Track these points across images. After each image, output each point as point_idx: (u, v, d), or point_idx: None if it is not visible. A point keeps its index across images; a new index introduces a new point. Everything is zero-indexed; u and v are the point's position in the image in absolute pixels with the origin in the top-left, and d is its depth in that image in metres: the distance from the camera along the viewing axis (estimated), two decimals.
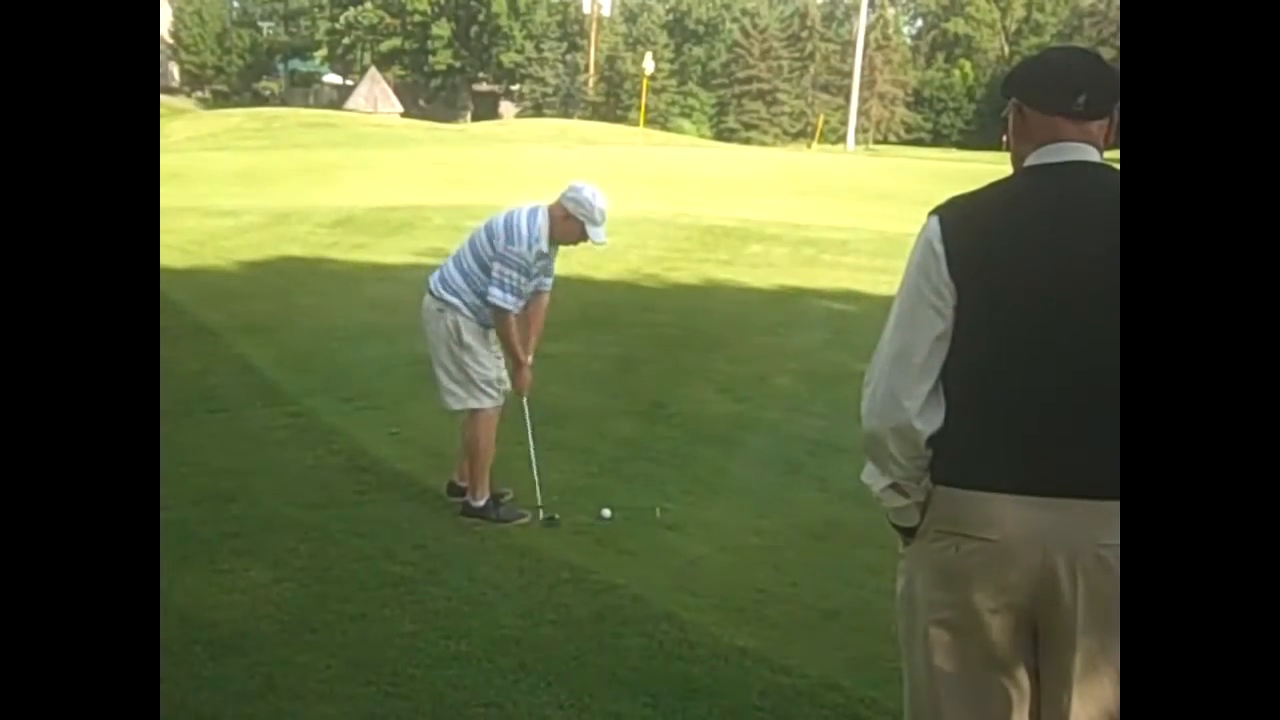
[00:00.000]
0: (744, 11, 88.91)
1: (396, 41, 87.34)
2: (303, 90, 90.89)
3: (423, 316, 5.82)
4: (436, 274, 5.82)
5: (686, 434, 7.63)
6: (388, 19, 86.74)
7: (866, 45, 76.17)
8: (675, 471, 6.81)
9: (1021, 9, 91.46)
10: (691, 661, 4.31)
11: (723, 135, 78.08)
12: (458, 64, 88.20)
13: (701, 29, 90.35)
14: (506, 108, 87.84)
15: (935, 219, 2.49)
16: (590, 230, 5.67)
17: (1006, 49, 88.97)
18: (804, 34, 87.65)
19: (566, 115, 73.96)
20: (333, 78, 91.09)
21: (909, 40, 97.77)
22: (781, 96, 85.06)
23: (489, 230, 5.67)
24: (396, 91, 78.01)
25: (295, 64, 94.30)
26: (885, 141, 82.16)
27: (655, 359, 9.83)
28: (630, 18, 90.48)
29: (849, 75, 75.84)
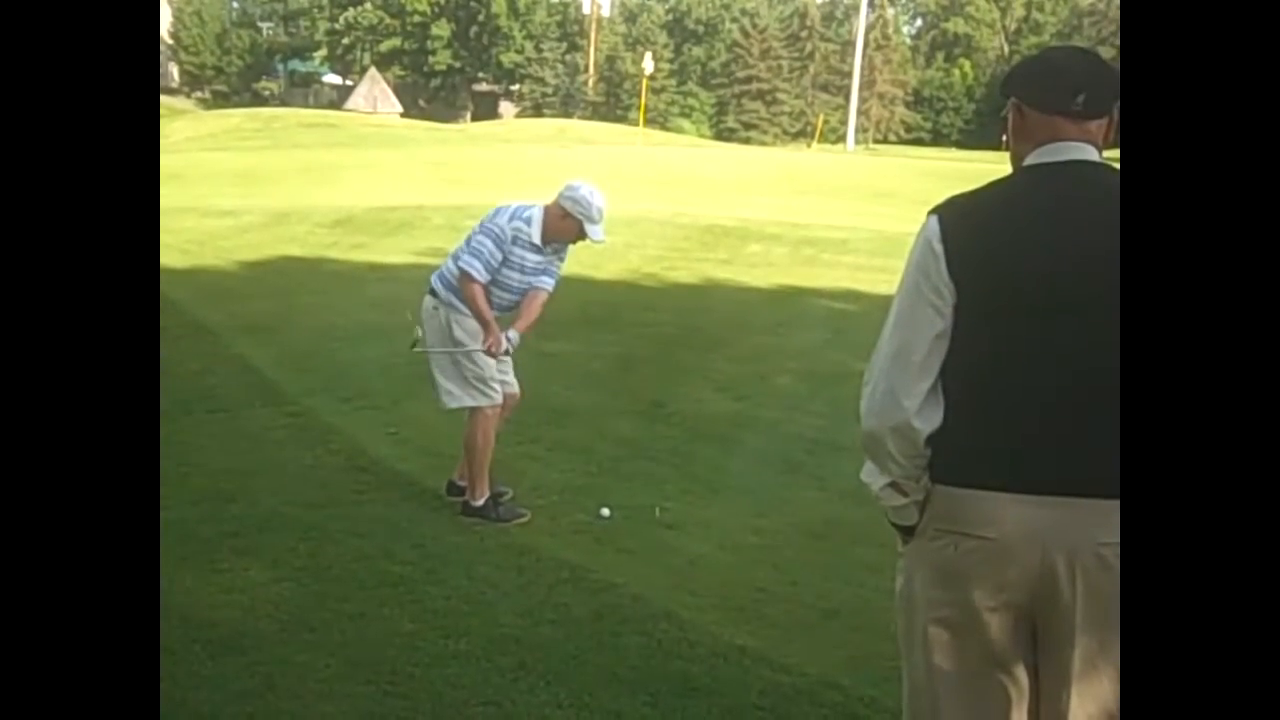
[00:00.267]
0: (743, 11, 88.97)
1: (396, 42, 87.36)
2: (302, 90, 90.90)
3: (421, 316, 5.83)
4: (437, 273, 5.84)
5: (686, 433, 7.63)
6: (387, 19, 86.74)
7: (866, 45, 76.15)
8: (674, 470, 6.81)
9: (1021, 8, 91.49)
10: (691, 660, 4.31)
11: (722, 135, 78.11)
12: (457, 64, 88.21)
13: (701, 29, 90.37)
14: (506, 108, 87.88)
15: (934, 218, 2.49)
16: (588, 228, 5.67)
17: (1006, 48, 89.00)
18: (803, 34, 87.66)
19: (566, 115, 73.98)
20: (332, 78, 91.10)
21: (908, 40, 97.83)
22: (781, 96, 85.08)
23: (482, 220, 5.70)
24: (396, 92, 78.05)
25: (295, 64, 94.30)
26: (885, 141, 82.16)
27: (655, 358, 9.83)
28: (630, 18, 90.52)
29: (849, 75, 75.82)
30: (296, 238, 16.41)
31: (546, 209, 5.68)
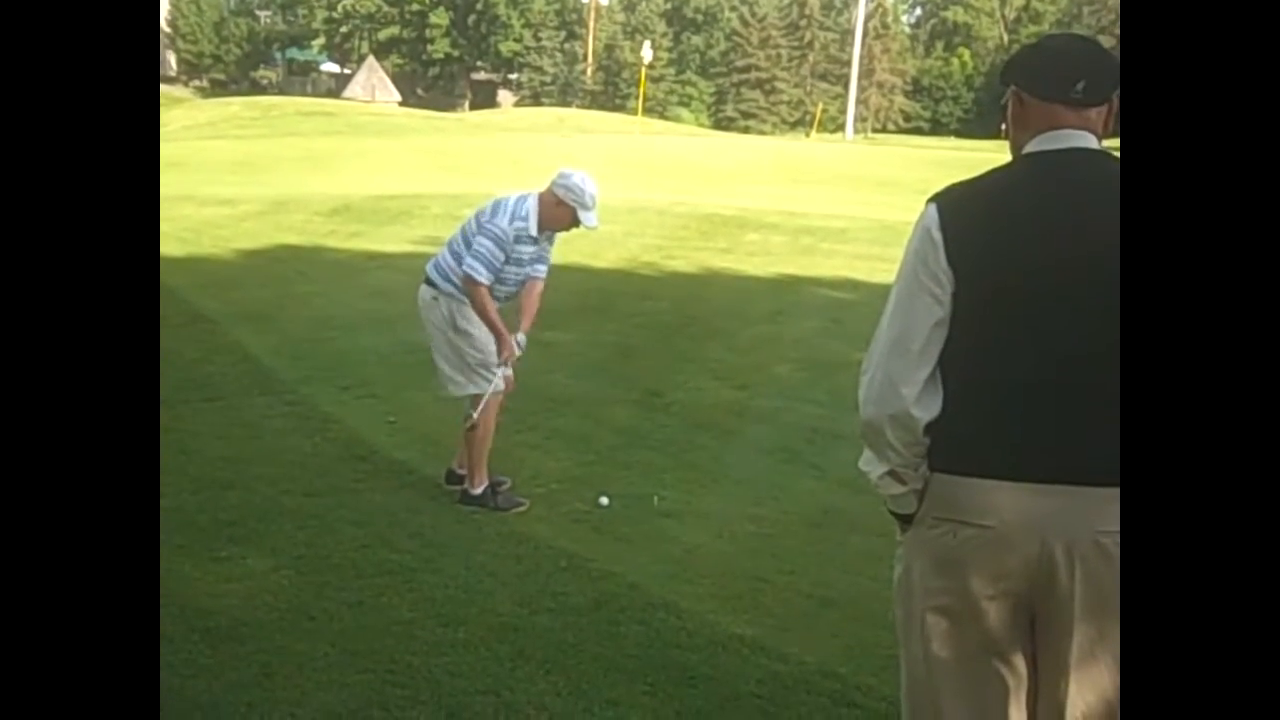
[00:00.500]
0: (742, 0, 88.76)
1: (394, 30, 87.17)
2: (300, 79, 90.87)
3: (419, 306, 5.84)
4: (432, 262, 5.84)
5: (684, 422, 7.64)
6: (385, 7, 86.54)
7: (865, 34, 76.10)
8: (673, 459, 6.82)
9: None
10: (689, 649, 4.32)
11: (721, 124, 78.02)
12: (456, 53, 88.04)
13: (700, 18, 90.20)
14: (504, 97, 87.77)
15: (933, 206, 2.49)
16: (582, 215, 5.68)
17: (1005, 37, 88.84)
18: (802, 22, 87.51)
19: (565, 104, 73.85)
20: (330, 66, 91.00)
21: (907, 29, 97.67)
22: (780, 85, 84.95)
23: (478, 213, 5.71)
24: (394, 80, 77.87)
25: (293, 53, 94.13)
26: (884, 130, 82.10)
27: (653, 347, 9.83)
28: (628, 6, 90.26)
29: (847, 64, 75.80)
30: (294, 226, 16.39)
31: (541, 198, 5.69)
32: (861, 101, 77.55)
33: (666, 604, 4.70)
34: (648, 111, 57.62)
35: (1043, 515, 2.36)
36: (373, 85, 72.62)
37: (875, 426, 2.48)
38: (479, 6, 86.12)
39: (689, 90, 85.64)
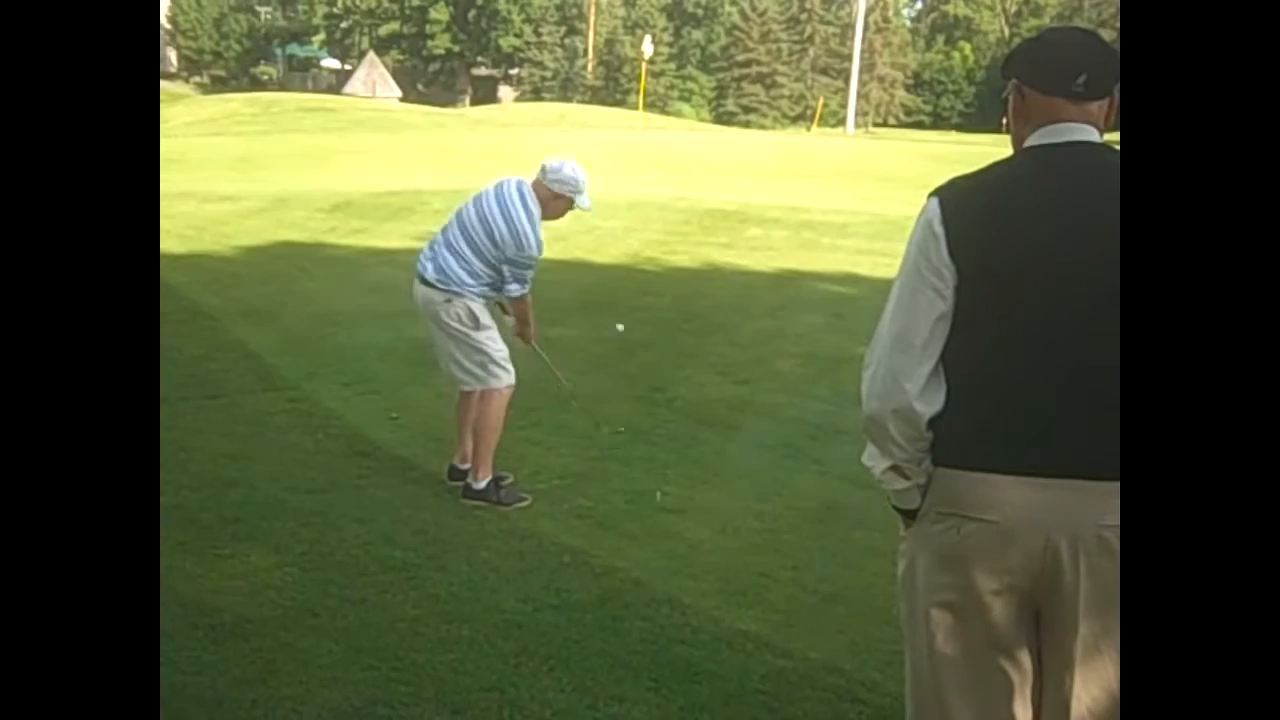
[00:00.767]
0: None
1: (395, 26, 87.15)
2: (301, 75, 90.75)
3: (424, 306, 5.83)
4: (431, 265, 5.79)
5: (686, 418, 7.63)
6: (386, 3, 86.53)
7: (866, 28, 75.91)
8: (675, 455, 6.81)
9: None
10: (693, 645, 4.32)
11: (722, 119, 77.97)
12: (456, 48, 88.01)
13: (700, 12, 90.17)
14: (505, 92, 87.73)
15: (935, 200, 2.48)
16: (578, 200, 5.84)
17: (1007, 31, 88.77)
18: (803, 17, 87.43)
19: (565, 99, 73.88)
20: (331, 62, 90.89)
21: (908, 22, 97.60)
22: (781, 80, 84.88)
23: (490, 232, 5.67)
24: (395, 76, 77.87)
25: (293, 49, 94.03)
26: (885, 124, 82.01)
27: (655, 342, 9.81)
28: (629, 1, 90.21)
29: (848, 58, 75.62)
30: (295, 222, 16.39)
31: (541, 201, 5.77)
32: (862, 96, 77.41)
33: (670, 600, 4.70)
34: (648, 106, 57.56)
35: (1047, 509, 2.35)
36: (373, 81, 72.61)
37: (878, 421, 2.47)
38: (479, 2, 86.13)
39: (690, 85, 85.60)
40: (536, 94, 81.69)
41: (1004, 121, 2.63)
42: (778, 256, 15.26)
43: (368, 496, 5.79)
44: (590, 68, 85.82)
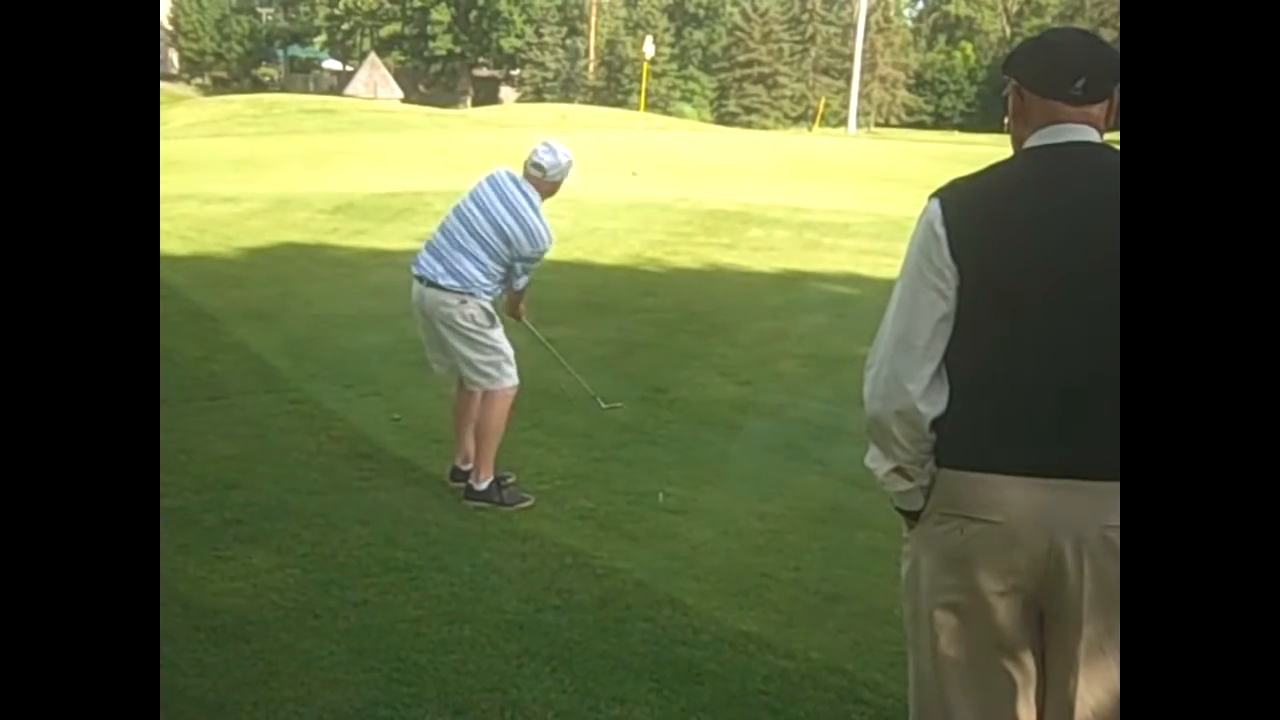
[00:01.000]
0: None
1: (396, 27, 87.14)
2: (302, 76, 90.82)
3: (432, 309, 5.78)
4: (440, 267, 5.74)
5: (688, 419, 7.63)
6: (387, 4, 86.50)
7: (867, 28, 75.91)
8: (678, 456, 6.81)
9: None
10: (695, 646, 4.31)
11: (723, 119, 77.95)
12: (457, 49, 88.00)
13: (702, 12, 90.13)
14: (507, 93, 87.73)
15: (936, 201, 2.48)
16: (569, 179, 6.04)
17: (1008, 30, 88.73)
18: (804, 17, 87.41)
19: (567, 100, 73.86)
20: (332, 64, 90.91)
21: (910, 22, 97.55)
22: (782, 80, 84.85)
23: (500, 231, 5.68)
24: (396, 77, 77.89)
25: (295, 50, 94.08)
26: (887, 124, 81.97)
27: (657, 343, 9.82)
28: (630, 2, 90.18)
29: (850, 58, 75.59)
30: (297, 224, 16.40)
31: (541, 195, 5.84)
32: (864, 96, 77.41)
33: (672, 601, 4.70)
34: (650, 107, 57.61)
35: (1051, 510, 2.35)
36: (375, 82, 72.60)
37: (881, 423, 2.47)
38: (480, 2, 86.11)
39: (691, 85, 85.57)
40: (538, 95, 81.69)
41: (1005, 121, 2.63)
42: (780, 257, 15.26)
43: (369, 498, 5.78)
44: (592, 68, 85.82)
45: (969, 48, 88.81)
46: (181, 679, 3.81)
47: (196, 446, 6.37)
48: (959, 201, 2.47)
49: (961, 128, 76.17)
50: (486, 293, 5.75)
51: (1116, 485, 2.18)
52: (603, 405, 6.97)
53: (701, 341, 10.04)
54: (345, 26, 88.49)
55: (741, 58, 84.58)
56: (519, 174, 5.85)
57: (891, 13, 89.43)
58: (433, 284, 5.74)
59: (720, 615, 4.60)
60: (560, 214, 7.98)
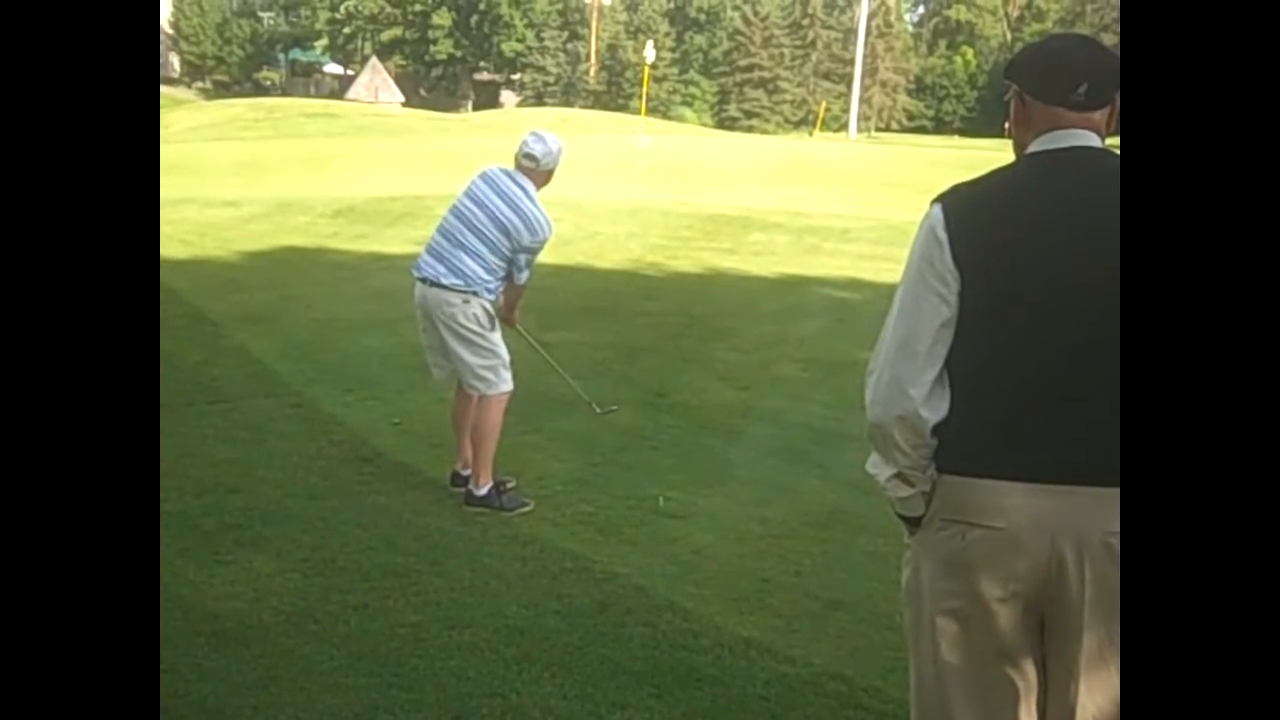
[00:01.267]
0: None
1: (397, 31, 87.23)
2: (303, 80, 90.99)
3: (435, 310, 5.77)
4: (442, 267, 5.74)
5: (689, 423, 7.62)
6: (388, 8, 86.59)
7: (868, 32, 76.07)
8: (678, 461, 6.80)
9: None
10: (695, 651, 4.31)
11: (724, 124, 77.98)
12: (459, 53, 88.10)
13: (702, 17, 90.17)
14: (508, 97, 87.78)
15: (938, 206, 2.48)
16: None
17: (1009, 35, 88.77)
18: (805, 21, 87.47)
19: (568, 104, 73.84)
20: (333, 68, 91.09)
21: (911, 27, 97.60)
22: (783, 84, 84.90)
23: (499, 224, 5.67)
24: (397, 81, 77.99)
25: (296, 54, 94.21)
26: (887, 129, 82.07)
27: (657, 348, 9.82)
28: (631, 6, 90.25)
29: (851, 63, 75.72)
30: (298, 228, 16.41)
31: (536, 185, 5.83)
32: (865, 100, 77.53)
33: (672, 606, 4.69)
34: (651, 111, 57.64)
35: (1052, 516, 2.34)
36: (376, 86, 72.72)
37: (883, 428, 2.47)
38: (481, 7, 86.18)
39: (692, 90, 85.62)
40: (539, 99, 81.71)
41: (1006, 127, 2.63)
42: (780, 261, 15.27)
43: (369, 502, 5.78)
44: (592, 73, 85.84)
45: (969, 53, 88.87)
46: (181, 683, 3.81)
47: (197, 450, 6.37)
48: (961, 207, 2.47)
49: (962, 133, 76.23)
50: (489, 290, 5.73)
51: (1118, 491, 2.17)
52: (598, 410, 6.95)
53: (702, 346, 10.04)
54: (346, 30, 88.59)
55: (742, 62, 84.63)
56: (511, 168, 5.84)
57: (892, 17, 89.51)
58: (435, 284, 5.73)
59: (720, 620, 4.59)
60: (561, 218, 7.97)
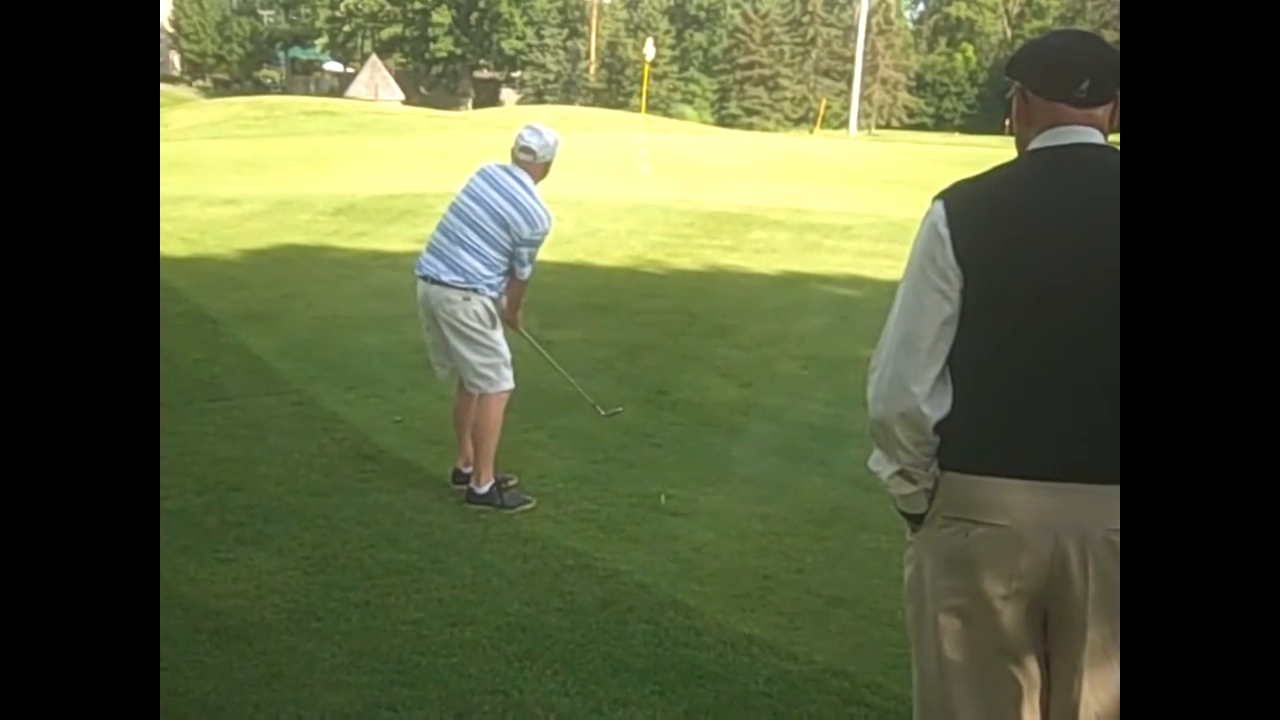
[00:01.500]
0: None
1: (397, 29, 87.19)
2: (304, 78, 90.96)
3: (437, 308, 5.78)
4: (443, 264, 5.74)
5: (690, 420, 7.62)
6: (388, 6, 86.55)
7: (868, 29, 75.98)
8: (680, 458, 6.80)
9: None
10: (697, 648, 4.31)
11: (725, 121, 77.97)
12: (459, 51, 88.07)
13: (703, 14, 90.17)
14: (508, 95, 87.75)
15: (940, 203, 2.47)
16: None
17: (1009, 32, 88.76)
18: (805, 19, 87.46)
19: (568, 102, 73.80)
20: (334, 65, 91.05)
21: (911, 24, 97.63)
22: (783, 82, 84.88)
23: (498, 219, 5.67)
24: (397, 79, 77.94)
25: (296, 52, 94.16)
26: (888, 126, 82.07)
27: (658, 345, 9.82)
28: (631, 3, 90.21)
29: (851, 60, 75.65)
30: (298, 226, 16.41)
31: (534, 178, 5.82)
32: (865, 98, 77.47)
33: (675, 603, 4.69)
34: (651, 109, 57.63)
35: (1055, 513, 2.34)
36: (376, 84, 72.65)
37: (885, 425, 2.46)
38: (481, 4, 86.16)
39: (692, 87, 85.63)
40: (539, 97, 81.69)
41: (1007, 123, 2.62)
42: (781, 259, 15.27)
43: (371, 500, 5.78)
44: (592, 70, 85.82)
45: (970, 50, 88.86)
46: (183, 681, 3.81)
47: (197, 448, 6.37)
48: (963, 203, 2.46)
49: (962, 129, 76.29)
50: (490, 286, 5.72)
51: (1119, 488, 2.17)
52: (602, 412, 6.94)
53: (703, 343, 10.03)
54: (346, 29, 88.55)
55: (742, 60, 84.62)
56: (509, 163, 5.84)
57: (892, 15, 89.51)
58: (436, 281, 5.74)
59: (722, 617, 4.59)
60: (562, 216, 7.98)
